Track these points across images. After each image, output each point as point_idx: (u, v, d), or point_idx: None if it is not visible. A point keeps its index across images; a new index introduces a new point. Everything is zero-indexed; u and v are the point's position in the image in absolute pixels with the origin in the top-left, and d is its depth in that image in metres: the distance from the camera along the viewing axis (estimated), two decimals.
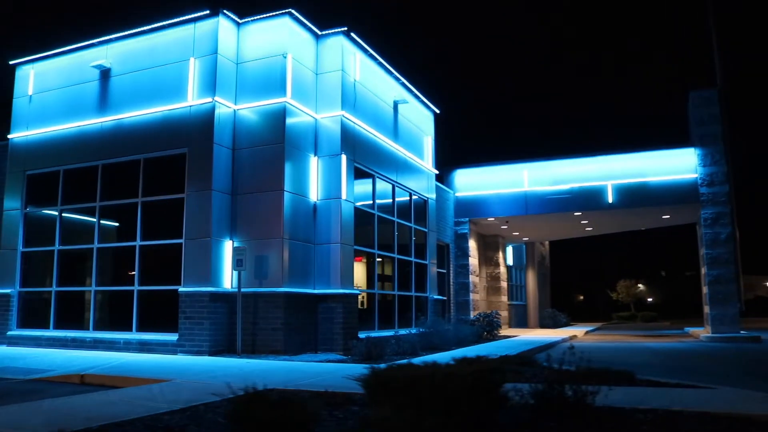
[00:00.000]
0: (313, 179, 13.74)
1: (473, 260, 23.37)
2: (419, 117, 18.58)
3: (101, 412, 5.71)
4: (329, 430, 4.94)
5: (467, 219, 23.17)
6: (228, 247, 12.81)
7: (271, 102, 13.06)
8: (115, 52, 14.21)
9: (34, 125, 15.01)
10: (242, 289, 12.29)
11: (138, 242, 13.29)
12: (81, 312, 14.09)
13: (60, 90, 14.84)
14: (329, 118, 13.90)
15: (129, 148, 13.63)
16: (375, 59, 15.66)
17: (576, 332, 23.37)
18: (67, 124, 14.50)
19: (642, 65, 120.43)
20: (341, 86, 13.98)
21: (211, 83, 12.89)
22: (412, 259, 17.44)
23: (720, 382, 8.57)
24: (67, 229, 14.57)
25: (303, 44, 13.81)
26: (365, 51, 15.16)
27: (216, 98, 12.76)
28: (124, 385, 8.18)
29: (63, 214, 14.53)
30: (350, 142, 14.06)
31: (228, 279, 12.70)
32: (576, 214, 22.19)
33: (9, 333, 14.40)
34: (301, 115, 13.45)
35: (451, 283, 22.54)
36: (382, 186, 16.01)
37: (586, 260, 70.99)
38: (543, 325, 27.96)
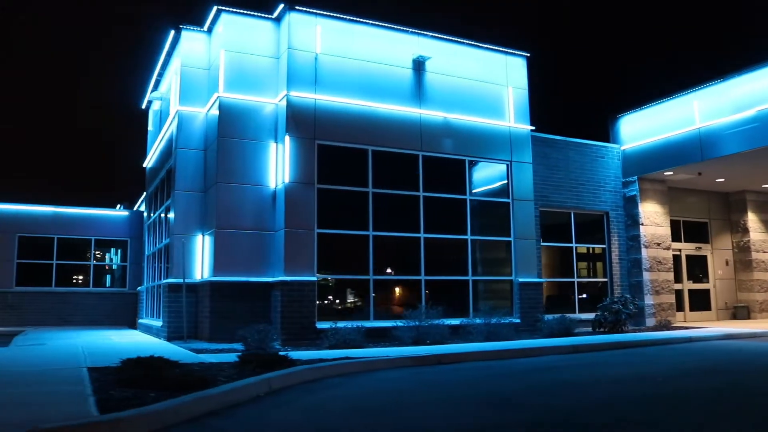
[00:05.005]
0: (272, 166, 13.52)
1: (648, 229, 17.68)
2: (480, 68, 15.55)
3: None
4: None
5: (635, 177, 17.74)
6: (199, 241, 13.83)
7: (214, 99, 13.53)
8: None
9: None
10: (187, 280, 13.18)
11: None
12: None
13: None
14: (283, 100, 13.43)
15: None
16: (358, 21, 14.16)
17: None
18: None
19: None
20: (287, 65, 13.34)
21: None
22: (468, 237, 14.80)
23: None
24: None
25: (250, 31, 13.76)
26: (336, 18, 13.93)
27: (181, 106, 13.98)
28: None
29: None
30: (305, 121, 13.24)
31: (198, 271, 13.72)
32: None
33: None
34: (247, 105, 13.46)
35: (615, 261, 17.64)
36: (393, 158, 14.22)
37: None
38: None
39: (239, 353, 9.01)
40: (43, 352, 10.60)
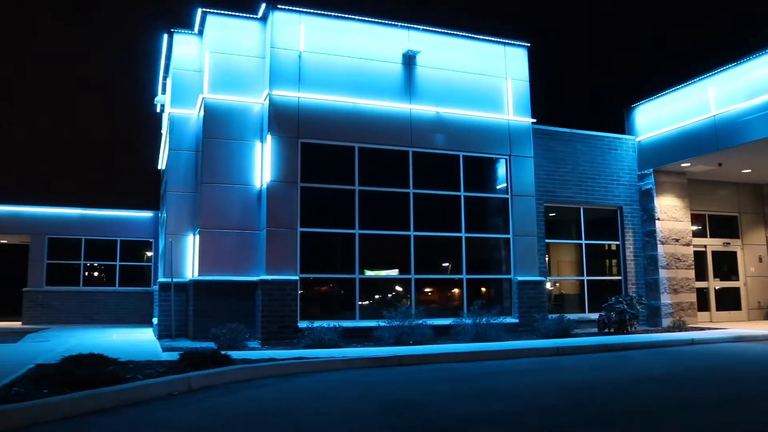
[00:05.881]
0: (258, 166, 13.56)
1: (665, 224, 16.66)
2: (476, 60, 15.07)
3: None
4: None
5: (650, 170, 16.78)
6: (190, 240, 14.04)
7: (200, 101, 13.69)
8: None
9: None
10: (177, 279, 13.38)
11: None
12: None
13: None
14: (267, 100, 13.45)
15: None
16: (345, 17, 13.99)
17: None
18: None
19: None
20: (269, 64, 13.34)
21: None
22: (462, 234, 14.39)
23: None
24: None
25: (237, 31, 13.85)
26: (322, 15, 13.82)
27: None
28: None
29: None
30: (288, 120, 13.20)
31: (189, 270, 13.93)
32: None
33: None
34: (233, 105, 13.55)
35: (630, 259, 16.74)
36: (382, 155, 13.98)
37: None
38: None
39: (189, 351, 9.04)
40: (20, 349, 11.00)
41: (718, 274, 18.13)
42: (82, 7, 43.81)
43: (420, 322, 12.60)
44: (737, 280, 18.28)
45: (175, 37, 14.69)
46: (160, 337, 13.41)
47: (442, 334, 13.05)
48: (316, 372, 8.92)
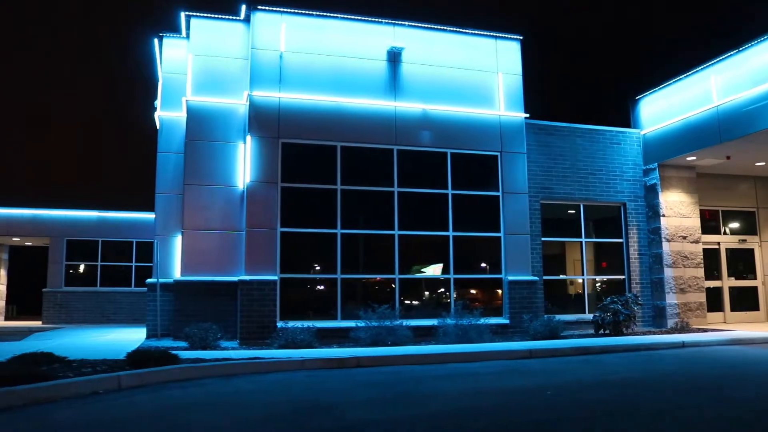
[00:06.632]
0: (242, 167, 13.64)
1: (671, 221, 15.90)
2: (465, 55, 14.74)
3: None
4: None
5: (655, 164, 16.06)
6: (178, 241, 14.23)
7: (184, 103, 13.86)
8: None
9: None
10: (164, 280, 13.59)
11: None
12: None
13: None
14: (247, 100, 13.51)
15: None
16: (328, 16, 13.91)
17: None
18: None
19: None
20: (250, 66, 13.40)
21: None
22: (450, 233, 14.10)
23: None
24: None
25: (217, 33, 13.96)
26: (304, 14, 13.78)
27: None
28: None
29: None
30: (268, 120, 13.21)
31: (177, 270, 14.12)
32: None
33: None
34: (216, 107, 13.67)
35: (634, 257, 16.05)
36: (366, 154, 13.85)
37: None
38: None
39: (136, 350, 9.09)
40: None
41: (733, 273, 17.21)
42: (84, 12, 45.23)
43: (400, 323, 12.42)
44: (754, 278, 17.32)
45: (165, 41, 14.94)
46: (148, 337, 13.64)
47: (425, 335, 12.83)
48: (266, 372, 8.87)
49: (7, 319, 25.46)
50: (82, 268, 22.46)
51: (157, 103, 15.49)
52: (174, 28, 15.02)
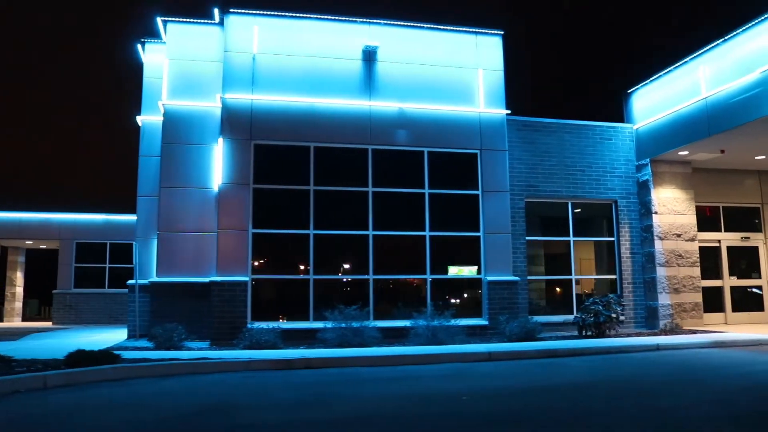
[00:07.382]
0: (216, 169, 13.75)
1: (664, 218, 15.30)
2: (444, 52, 14.51)
3: None
4: None
5: (647, 160, 15.51)
6: (155, 245, 14.43)
7: (161, 107, 14.06)
8: None
9: None
10: (142, 281, 13.81)
11: None
12: None
13: None
14: (218, 104, 13.61)
15: None
16: (301, 17, 13.90)
17: None
18: None
19: None
20: (223, 68, 13.48)
21: None
22: (426, 233, 13.91)
23: None
24: None
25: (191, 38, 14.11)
26: (276, 16, 13.80)
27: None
28: None
29: None
30: (240, 122, 13.26)
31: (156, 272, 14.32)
32: None
33: None
34: (192, 110, 13.83)
35: (626, 256, 15.52)
36: (339, 154, 13.77)
37: None
38: None
39: (76, 351, 9.16)
40: None
41: (735, 272, 16.49)
42: (86, 15, 46.46)
43: (368, 323, 12.33)
44: (758, 278, 16.55)
45: (147, 46, 15.18)
46: (128, 337, 13.88)
47: (397, 337, 12.68)
48: (209, 373, 8.91)
49: (24, 320, 26.31)
50: (91, 270, 23.03)
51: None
52: (157, 34, 15.23)
